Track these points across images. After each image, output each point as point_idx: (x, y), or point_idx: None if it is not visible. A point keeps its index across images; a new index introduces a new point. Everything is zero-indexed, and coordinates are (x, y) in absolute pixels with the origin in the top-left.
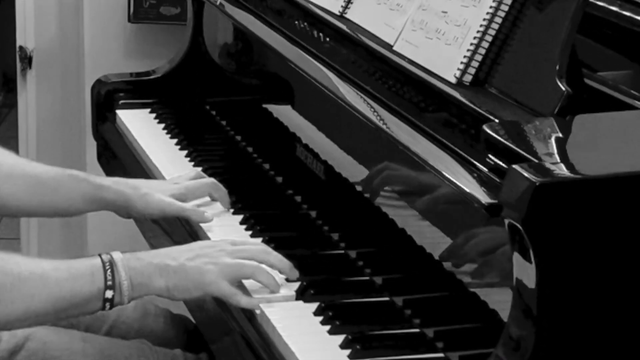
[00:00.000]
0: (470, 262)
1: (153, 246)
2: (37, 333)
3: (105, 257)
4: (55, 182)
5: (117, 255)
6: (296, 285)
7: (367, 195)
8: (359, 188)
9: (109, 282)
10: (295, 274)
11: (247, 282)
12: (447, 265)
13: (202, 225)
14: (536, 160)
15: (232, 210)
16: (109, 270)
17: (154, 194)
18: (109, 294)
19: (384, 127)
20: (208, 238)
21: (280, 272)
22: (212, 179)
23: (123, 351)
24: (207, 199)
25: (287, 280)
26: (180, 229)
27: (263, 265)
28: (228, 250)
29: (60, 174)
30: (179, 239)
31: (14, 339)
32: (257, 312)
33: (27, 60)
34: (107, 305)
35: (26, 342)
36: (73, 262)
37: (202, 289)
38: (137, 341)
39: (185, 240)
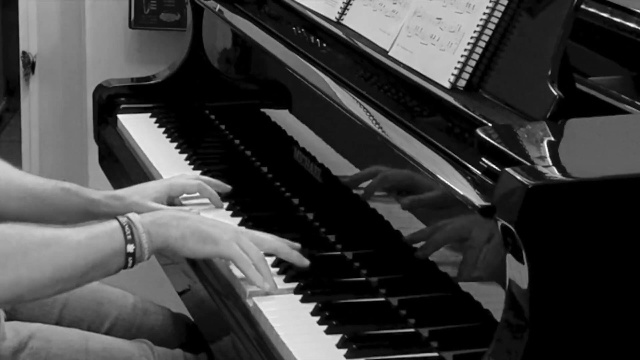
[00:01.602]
0: (462, 261)
1: None
2: (40, 331)
3: (122, 218)
4: (47, 195)
5: (133, 215)
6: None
7: (363, 197)
8: (355, 191)
9: (129, 237)
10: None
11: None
12: (441, 266)
13: None
14: (528, 164)
15: (230, 212)
16: (127, 226)
17: (138, 202)
18: (130, 248)
19: (379, 131)
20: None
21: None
22: (199, 180)
23: (125, 350)
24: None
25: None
26: None
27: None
28: (241, 230)
29: (53, 187)
30: None
31: (17, 337)
32: (250, 304)
33: (30, 66)
34: (130, 260)
35: (29, 341)
36: (92, 226)
37: (215, 243)
38: (138, 341)
39: None
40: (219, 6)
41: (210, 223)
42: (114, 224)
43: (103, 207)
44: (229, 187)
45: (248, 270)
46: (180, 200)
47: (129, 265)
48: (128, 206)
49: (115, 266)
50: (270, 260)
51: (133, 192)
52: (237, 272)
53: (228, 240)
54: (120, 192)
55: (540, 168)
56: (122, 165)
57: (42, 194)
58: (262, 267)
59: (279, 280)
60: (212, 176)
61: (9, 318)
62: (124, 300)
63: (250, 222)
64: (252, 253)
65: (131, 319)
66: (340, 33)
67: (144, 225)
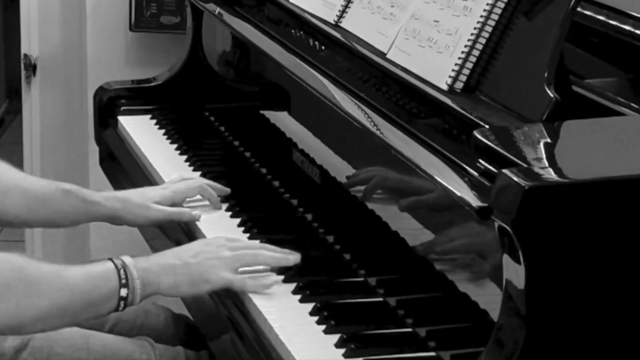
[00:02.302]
0: (461, 261)
1: (154, 249)
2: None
3: (116, 260)
4: (47, 197)
5: (127, 258)
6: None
7: (361, 199)
8: (353, 192)
9: (123, 281)
10: (297, 256)
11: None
12: (438, 266)
13: (201, 229)
14: (525, 165)
15: (230, 213)
16: (122, 270)
17: (141, 204)
18: (123, 292)
19: (377, 132)
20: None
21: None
22: (199, 182)
23: (126, 348)
24: (207, 202)
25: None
26: (179, 233)
27: (261, 251)
28: (227, 245)
29: (54, 189)
30: (179, 242)
31: (19, 336)
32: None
33: (32, 68)
34: (122, 304)
35: (31, 340)
36: (87, 266)
37: (208, 282)
38: (139, 338)
39: (184, 242)
40: (218, 9)
41: (198, 262)
42: (109, 265)
43: (103, 208)
44: (228, 190)
45: (246, 289)
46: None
47: (120, 308)
48: (130, 208)
49: (107, 308)
50: None
51: (136, 195)
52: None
53: (216, 273)
54: (122, 193)
55: (536, 169)
56: (123, 166)
57: (43, 196)
58: (269, 257)
59: (279, 280)
60: (212, 177)
61: None
62: None
63: (250, 222)
64: (248, 258)
65: (133, 320)
66: (338, 36)
67: (138, 271)
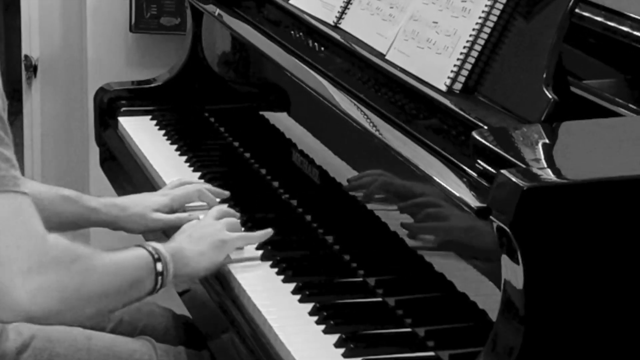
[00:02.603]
0: (459, 262)
1: None
2: (42, 331)
3: (145, 245)
4: (47, 202)
5: (154, 243)
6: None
7: (360, 199)
8: (352, 192)
9: (156, 256)
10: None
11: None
12: (437, 266)
13: None
14: (524, 166)
15: None
16: (151, 248)
17: (140, 213)
18: (159, 266)
19: (376, 133)
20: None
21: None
22: (198, 186)
23: (127, 348)
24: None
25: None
26: None
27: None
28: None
29: (53, 195)
30: None
31: (20, 337)
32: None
33: (32, 69)
34: (159, 279)
35: (32, 341)
36: (121, 252)
37: (225, 243)
38: (141, 338)
39: None
40: (218, 10)
41: (208, 230)
42: (138, 248)
43: (102, 215)
44: (227, 193)
45: (254, 242)
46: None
47: (158, 285)
48: (130, 216)
49: (148, 286)
50: (269, 261)
51: (135, 203)
52: (233, 270)
53: (226, 234)
54: (121, 201)
55: (535, 170)
56: (123, 167)
57: (42, 201)
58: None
59: (278, 280)
60: (212, 178)
61: None
62: None
63: (250, 223)
64: (236, 223)
65: (135, 321)
66: (338, 37)
67: (164, 247)
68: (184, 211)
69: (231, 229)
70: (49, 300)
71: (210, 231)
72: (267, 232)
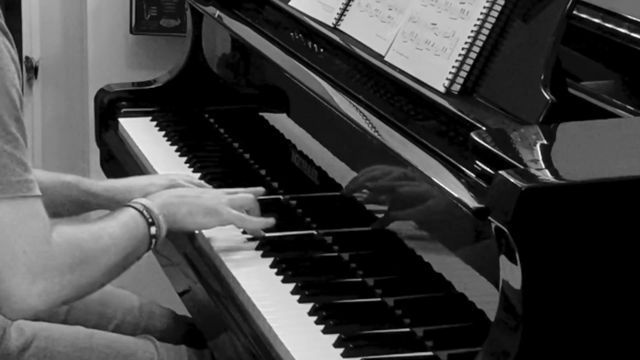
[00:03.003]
0: (458, 262)
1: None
2: (44, 330)
3: (136, 204)
4: (48, 188)
5: (144, 200)
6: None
7: (359, 200)
8: (351, 193)
9: (150, 220)
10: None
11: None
12: (436, 267)
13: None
14: (522, 167)
15: None
16: (145, 212)
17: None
18: (153, 230)
19: (375, 134)
20: (206, 238)
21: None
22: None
23: (129, 347)
24: None
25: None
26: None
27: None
28: (225, 190)
29: (54, 180)
30: (180, 243)
31: (22, 336)
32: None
33: (33, 70)
34: (153, 241)
35: (34, 339)
36: (115, 217)
37: (219, 214)
38: (143, 337)
39: (184, 242)
40: (218, 12)
41: (206, 196)
42: (133, 212)
43: (102, 200)
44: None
45: (251, 224)
46: None
47: (152, 246)
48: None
49: (144, 249)
50: (269, 261)
51: (137, 187)
52: (233, 270)
53: (225, 206)
54: (122, 184)
55: (533, 171)
56: (124, 167)
57: (44, 188)
58: (252, 221)
59: (277, 281)
60: (212, 178)
61: None
62: (129, 302)
63: None
64: (246, 200)
65: (136, 322)
66: (337, 38)
67: (157, 208)
68: None
69: (236, 206)
70: (56, 299)
71: (208, 197)
72: (267, 221)
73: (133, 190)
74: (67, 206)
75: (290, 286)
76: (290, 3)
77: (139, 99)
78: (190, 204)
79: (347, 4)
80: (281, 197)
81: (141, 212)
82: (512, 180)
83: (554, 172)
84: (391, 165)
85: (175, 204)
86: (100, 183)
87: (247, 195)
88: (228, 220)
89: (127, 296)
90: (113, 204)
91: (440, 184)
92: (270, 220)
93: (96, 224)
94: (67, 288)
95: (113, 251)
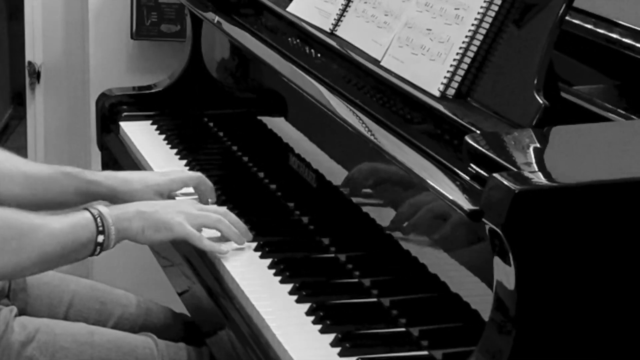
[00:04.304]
0: (453, 263)
1: (156, 251)
2: (46, 326)
3: (93, 210)
4: (49, 179)
5: (102, 207)
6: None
7: (355, 202)
8: (348, 195)
9: (100, 228)
10: (249, 235)
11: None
12: (431, 267)
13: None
14: (515, 169)
15: None
16: (99, 219)
17: (141, 189)
18: (100, 238)
19: (372, 138)
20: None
21: (236, 229)
22: (198, 173)
23: (129, 343)
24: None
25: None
26: None
27: (223, 219)
28: (196, 206)
29: (55, 172)
30: (179, 244)
31: (25, 331)
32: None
33: (36, 75)
34: (98, 249)
35: (36, 334)
36: (68, 215)
37: (170, 230)
38: (143, 334)
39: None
40: (217, 18)
41: (165, 211)
42: (87, 215)
43: (103, 188)
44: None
45: (201, 244)
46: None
47: (96, 253)
48: (130, 191)
49: (85, 254)
50: (267, 262)
51: (137, 180)
52: (231, 271)
53: (179, 223)
54: (123, 175)
55: (526, 173)
56: (124, 170)
57: (45, 179)
58: (227, 227)
59: (275, 281)
60: (211, 181)
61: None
62: (127, 300)
63: (248, 225)
64: (210, 220)
65: (134, 318)
66: (334, 44)
67: (112, 218)
68: (174, 198)
69: (196, 224)
70: None
71: (168, 210)
72: (220, 249)
73: (134, 181)
74: (70, 196)
75: (288, 286)
76: (288, 9)
77: (139, 103)
78: (145, 219)
79: (344, 10)
80: (280, 199)
81: (95, 218)
82: (505, 182)
83: (547, 175)
84: (388, 168)
85: (129, 219)
86: (101, 172)
87: (213, 216)
88: (180, 235)
89: (125, 295)
90: (113, 192)
91: (436, 187)
92: (223, 249)
93: (45, 217)
94: None
95: (48, 245)
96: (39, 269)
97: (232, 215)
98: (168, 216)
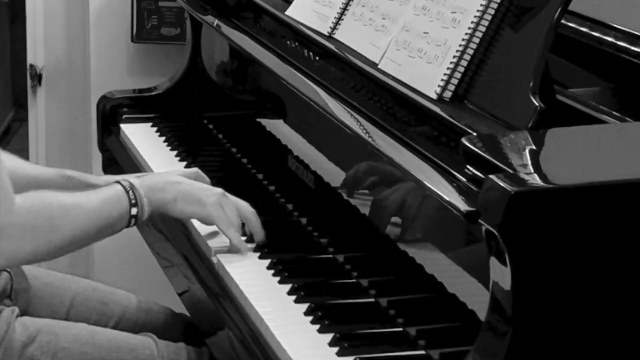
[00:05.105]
0: (450, 264)
1: (156, 251)
2: (48, 326)
3: (124, 182)
4: (51, 183)
5: (133, 179)
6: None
7: (353, 203)
8: (346, 197)
9: (133, 201)
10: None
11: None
12: (428, 268)
13: (197, 226)
14: (511, 171)
15: None
16: (131, 192)
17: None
18: (134, 211)
19: (369, 140)
20: (205, 241)
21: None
22: (195, 168)
23: (130, 343)
24: None
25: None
26: (180, 235)
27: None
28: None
29: (56, 175)
30: (179, 244)
31: (26, 331)
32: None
33: (37, 78)
34: (133, 221)
35: (38, 335)
36: (99, 191)
37: (203, 206)
38: (143, 334)
39: (184, 244)
40: (216, 21)
41: (199, 187)
42: (117, 188)
43: None
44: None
45: (227, 230)
46: None
47: (131, 225)
48: None
49: (120, 227)
50: (266, 262)
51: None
52: (231, 271)
53: (213, 203)
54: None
55: (522, 175)
56: (125, 172)
57: (45, 182)
58: (235, 233)
59: (274, 282)
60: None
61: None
62: (127, 300)
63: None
64: (232, 217)
65: (135, 318)
66: (332, 47)
67: (144, 189)
68: None
69: (228, 210)
70: (13, 259)
71: (202, 188)
72: (245, 247)
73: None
74: None
75: (287, 287)
76: (286, 12)
77: (140, 105)
78: (178, 191)
79: (342, 14)
80: (278, 200)
81: (127, 191)
82: (501, 184)
83: (543, 177)
84: (385, 170)
85: (162, 188)
86: (102, 177)
87: (246, 207)
88: (210, 214)
89: (125, 295)
90: None
91: (433, 188)
92: (244, 246)
93: (75, 195)
94: (26, 249)
95: (81, 225)
96: (76, 247)
97: (255, 215)
98: (203, 194)
